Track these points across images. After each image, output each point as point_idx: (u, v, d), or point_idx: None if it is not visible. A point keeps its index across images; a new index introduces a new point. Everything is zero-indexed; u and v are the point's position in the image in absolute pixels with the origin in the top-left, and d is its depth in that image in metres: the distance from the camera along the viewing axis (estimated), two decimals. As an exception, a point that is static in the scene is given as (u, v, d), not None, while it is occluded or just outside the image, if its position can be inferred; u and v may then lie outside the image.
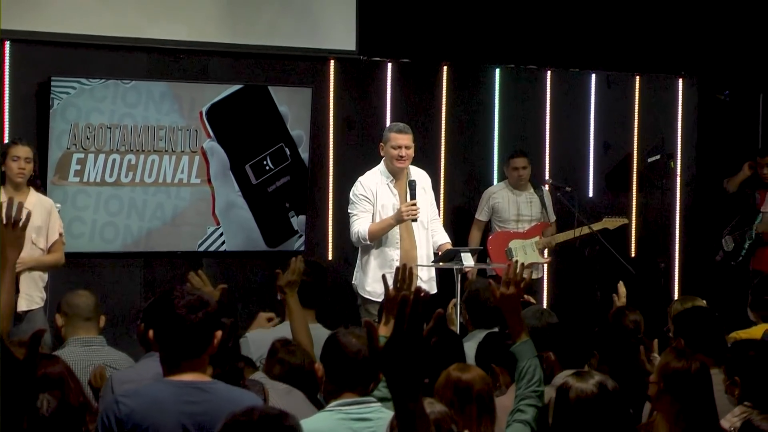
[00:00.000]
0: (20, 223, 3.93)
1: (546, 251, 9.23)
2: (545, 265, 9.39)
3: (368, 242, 7.55)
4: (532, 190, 9.17)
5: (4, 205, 7.22)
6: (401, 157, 7.59)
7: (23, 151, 7.42)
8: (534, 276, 9.00)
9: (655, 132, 10.47)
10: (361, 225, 7.56)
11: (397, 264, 7.30)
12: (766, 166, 9.40)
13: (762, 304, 6.37)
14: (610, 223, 9.31)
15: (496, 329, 5.54)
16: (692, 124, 10.61)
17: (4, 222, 3.90)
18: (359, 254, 7.76)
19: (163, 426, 3.46)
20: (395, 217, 7.49)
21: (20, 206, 4.01)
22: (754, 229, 9.24)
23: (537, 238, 9.08)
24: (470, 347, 5.68)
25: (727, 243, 9.40)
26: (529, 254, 8.99)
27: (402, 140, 7.61)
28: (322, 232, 9.33)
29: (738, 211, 9.44)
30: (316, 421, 3.75)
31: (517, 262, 4.62)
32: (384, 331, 4.28)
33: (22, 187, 7.40)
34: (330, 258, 9.30)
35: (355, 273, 7.80)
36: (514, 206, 9.10)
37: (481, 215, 9.17)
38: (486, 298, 5.74)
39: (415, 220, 7.51)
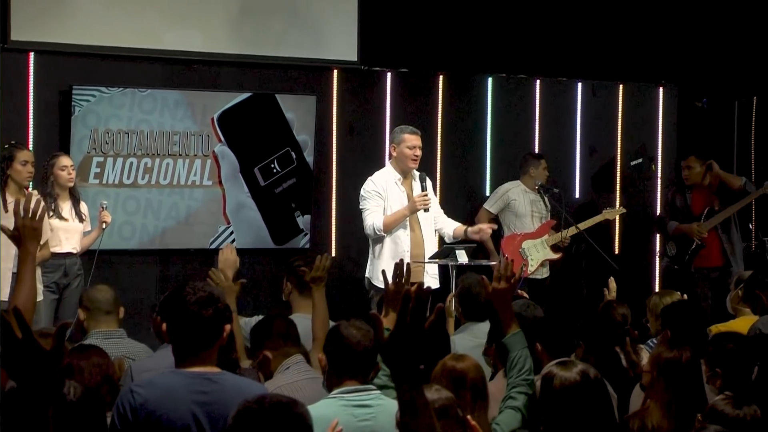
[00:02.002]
0: (37, 215, 3.91)
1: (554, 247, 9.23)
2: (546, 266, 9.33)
3: (383, 233, 7.57)
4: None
5: (11, 205, 7.27)
6: (416, 157, 7.64)
7: (29, 155, 7.44)
8: (540, 275, 9.02)
9: (637, 137, 10.48)
10: (375, 218, 7.57)
11: (408, 257, 7.39)
12: (686, 168, 9.34)
13: (753, 297, 6.38)
14: (610, 214, 9.37)
15: (486, 321, 5.55)
16: (672, 130, 10.60)
17: (23, 215, 3.88)
18: (371, 247, 7.75)
19: (175, 414, 3.45)
20: (409, 207, 7.54)
21: (38, 201, 3.99)
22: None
23: (546, 236, 9.09)
24: (462, 338, 5.69)
25: (669, 248, 9.37)
26: (541, 252, 9.03)
27: (416, 141, 7.67)
28: (326, 231, 9.34)
29: (674, 217, 9.40)
30: (320, 407, 3.75)
31: (507, 258, 4.63)
32: (385, 323, 4.28)
33: (23, 190, 7.40)
34: (333, 255, 9.29)
35: (367, 266, 7.79)
36: (529, 204, 9.11)
37: (493, 207, 9.12)
38: (478, 292, 5.75)
39: (427, 210, 7.54)
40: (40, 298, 7.39)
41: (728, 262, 9.08)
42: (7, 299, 7.07)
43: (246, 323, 5.61)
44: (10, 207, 7.24)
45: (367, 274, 7.78)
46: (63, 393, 3.02)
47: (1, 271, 7.22)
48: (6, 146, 7.48)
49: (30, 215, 3.87)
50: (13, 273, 7.22)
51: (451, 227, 7.82)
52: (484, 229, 7.78)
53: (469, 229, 7.73)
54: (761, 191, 9.16)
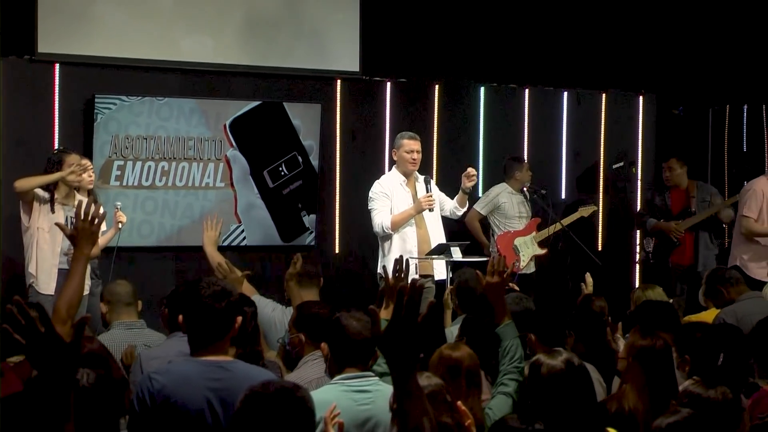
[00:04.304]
0: (96, 220, 3.88)
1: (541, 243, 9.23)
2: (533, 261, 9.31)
3: (390, 231, 7.57)
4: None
5: (61, 208, 7.26)
6: (414, 160, 7.68)
7: (77, 158, 7.42)
8: (528, 270, 9.02)
9: (619, 142, 10.47)
10: (383, 217, 7.59)
11: (416, 251, 7.37)
12: (668, 169, 9.33)
13: (714, 292, 6.35)
14: (585, 211, 9.39)
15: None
16: (651, 136, 10.60)
17: (82, 218, 3.86)
18: (380, 245, 7.75)
19: (190, 399, 3.46)
20: (415, 207, 7.57)
21: (98, 206, 3.96)
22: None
23: (534, 233, 9.09)
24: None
25: (647, 244, 9.36)
26: (531, 248, 9.04)
27: (414, 146, 7.71)
28: (330, 229, 9.33)
29: (653, 215, 9.38)
30: (323, 392, 3.74)
31: (499, 255, 4.62)
32: (385, 314, 4.27)
33: (72, 191, 7.39)
34: (337, 251, 9.31)
35: (378, 263, 7.78)
36: (516, 206, 9.10)
37: (483, 209, 9.11)
38: (473, 286, 5.74)
39: (431, 210, 7.55)
40: (86, 292, 7.40)
41: (702, 259, 9.08)
42: (53, 293, 7.07)
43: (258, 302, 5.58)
44: (58, 208, 7.24)
45: (378, 270, 7.77)
46: (77, 380, 3.01)
47: (46, 268, 7.23)
48: (55, 151, 7.49)
49: (90, 219, 3.84)
50: (60, 269, 7.23)
51: (454, 202, 7.86)
52: (468, 174, 7.72)
53: (462, 187, 7.72)
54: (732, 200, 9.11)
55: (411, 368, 2.48)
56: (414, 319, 2.46)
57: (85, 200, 4.41)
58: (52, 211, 7.22)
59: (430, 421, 2.48)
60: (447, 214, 7.89)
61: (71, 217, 7.12)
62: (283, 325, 5.32)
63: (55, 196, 7.28)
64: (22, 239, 7.34)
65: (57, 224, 4.50)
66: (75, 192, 7.41)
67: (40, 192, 7.24)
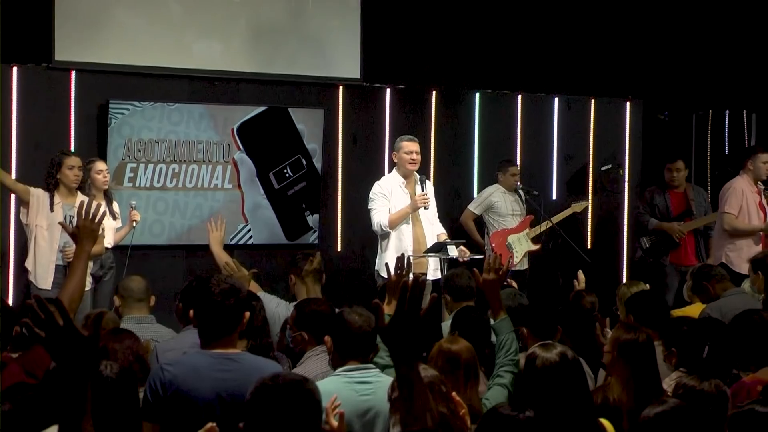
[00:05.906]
0: (96, 219, 3.87)
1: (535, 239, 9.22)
2: (527, 258, 9.29)
3: (388, 229, 7.54)
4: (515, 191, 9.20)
5: (58, 206, 7.24)
6: (413, 160, 7.64)
7: (76, 160, 7.41)
8: (522, 267, 9.01)
9: (607, 146, 10.46)
10: (381, 216, 7.57)
11: (411, 251, 7.37)
12: (675, 170, 9.30)
13: (700, 288, 6.34)
14: (578, 206, 9.39)
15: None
16: (638, 140, 10.59)
17: (83, 217, 3.84)
18: (379, 243, 7.74)
19: (200, 390, 3.47)
20: (410, 205, 7.54)
21: (98, 205, 3.95)
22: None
23: (527, 230, 9.08)
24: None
25: (644, 243, 9.33)
26: (524, 245, 9.04)
27: (412, 147, 7.68)
28: (332, 228, 9.32)
29: (653, 215, 9.36)
30: (326, 383, 3.74)
31: (495, 253, 4.61)
32: (387, 309, 4.26)
33: (73, 191, 7.37)
34: (339, 249, 9.30)
35: (376, 260, 7.76)
36: (509, 205, 9.10)
37: (477, 209, 9.12)
38: (458, 280, 5.77)
39: (426, 208, 7.52)
40: (87, 288, 7.38)
41: (701, 261, 9.04)
42: (50, 288, 7.06)
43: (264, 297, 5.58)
44: (57, 207, 7.23)
45: (376, 267, 7.77)
46: (100, 371, 3.01)
47: (44, 264, 7.21)
48: (57, 153, 7.47)
49: (90, 218, 3.83)
50: (57, 265, 7.21)
51: (436, 233, 7.73)
52: (463, 252, 7.55)
53: (458, 250, 7.51)
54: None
55: (413, 360, 2.47)
56: (416, 312, 2.46)
57: (86, 200, 4.39)
58: (51, 209, 7.22)
59: (431, 411, 2.47)
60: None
61: (71, 216, 7.12)
62: None
63: (55, 195, 7.28)
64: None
65: (60, 223, 4.50)
66: (77, 192, 7.40)
67: (38, 192, 7.24)
